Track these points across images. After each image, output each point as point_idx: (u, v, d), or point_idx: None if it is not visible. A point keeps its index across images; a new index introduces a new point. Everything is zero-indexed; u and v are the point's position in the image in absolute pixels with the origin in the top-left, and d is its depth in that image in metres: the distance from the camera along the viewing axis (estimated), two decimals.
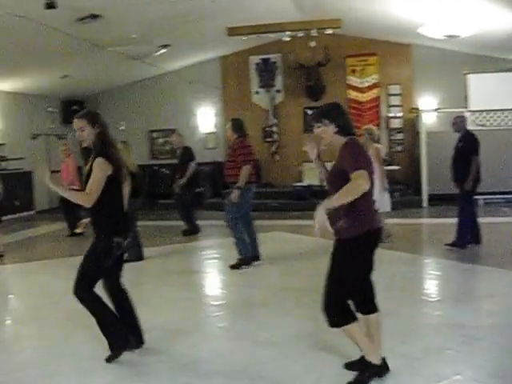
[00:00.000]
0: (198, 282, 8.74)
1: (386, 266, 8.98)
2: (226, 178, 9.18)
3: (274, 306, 6.91)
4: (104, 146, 5.02)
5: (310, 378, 4.71)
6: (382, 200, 10.71)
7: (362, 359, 4.61)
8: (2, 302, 7.91)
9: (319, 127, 4.50)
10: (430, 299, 7.25)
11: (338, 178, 4.30)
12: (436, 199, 15.49)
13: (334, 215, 4.25)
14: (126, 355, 5.23)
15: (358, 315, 4.57)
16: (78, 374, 5.01)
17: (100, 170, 4.92)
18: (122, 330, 5.15)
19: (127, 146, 9.95)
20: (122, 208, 5.15)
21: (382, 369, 4.60)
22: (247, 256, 9.04)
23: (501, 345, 5.29)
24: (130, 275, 9.00)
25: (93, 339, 5.54)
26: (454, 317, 6.24)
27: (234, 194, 8.78)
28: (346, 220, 4.30)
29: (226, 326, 6.35)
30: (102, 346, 5.19)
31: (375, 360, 4.55)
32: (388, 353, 5.11)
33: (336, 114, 4.50)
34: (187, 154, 12.47)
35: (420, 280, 8.45)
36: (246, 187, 8.84)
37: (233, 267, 8.97)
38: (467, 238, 9.85)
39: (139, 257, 9.90)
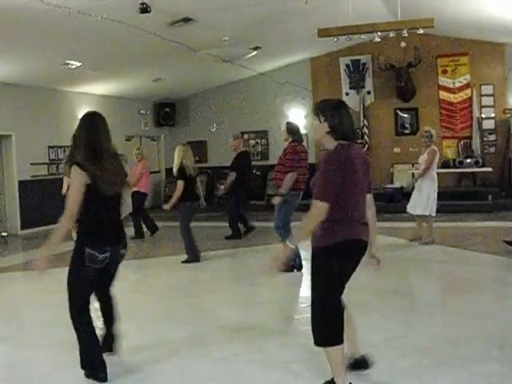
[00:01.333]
0: (284, 283, 8.79)
1: (477, 269, 8.88)
2: (275, 181, 9.11)
3: (369, 307, 6.80)
4: (77, 152, 4.71)
5: (404, 382, 4.69)
6: (431, 204, 10.63)
7: (332, 381, 4.36)
8: None
9: (315, 120, 4.31)
10: None
11: None
12: None
13: None
14: (220, 352, 5.37)
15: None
16: None
17: (73, 181, 4.59)
18: (96, 363, 4.79)
19: (187, 148, 10.14)
20: (102, 219, 4.68)
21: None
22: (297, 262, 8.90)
23: None
24: (205, 274, 9.29)
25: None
26: None
27: (276, 199, 8.73)
28: (321, 228, 4.11)
29: None
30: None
31: None
32: (484, 359, 5.05)
33: (331, 114, 4.22)
34: (234, 161, 12.64)
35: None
36: (294, 193, 8.71)
37: (286, 271, 8.57)
38: None
39: (195, 258, 10.07)
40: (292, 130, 9.11)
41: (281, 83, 18.18)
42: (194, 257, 10.00)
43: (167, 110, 19.57)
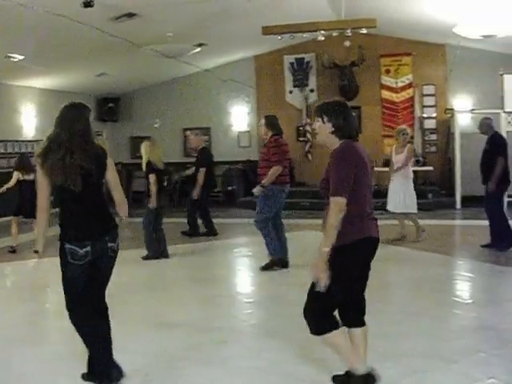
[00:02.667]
0: (228, 280, 8.79)
1: (418, 267, 9.03)
2: (260, 177, 8.95)
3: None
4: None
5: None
6: (411, 201, 10.77)
7: (348, 373, 4.37)
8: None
9: (318, 121, 4.34)
10: (463, 301, 7.25)
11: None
12: (469, 200, 15.36)
13: (325, 219, 4.16)
14: (154, 347, 5.33)
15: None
16: None
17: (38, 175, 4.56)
18: (107, 365, 4.65)
19: (153, 142, 10.04)
20: (74, 212, 4.52)
21: (369, 380, 4.33)
22: (277, 257, 8.86)
23: None
24: (163, 272, 9.21)
25: None
26: (488, 319, 6.23)
27: (257, 189, 8.65)
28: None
29: (258, 324, 6.40)
30: None
31: (360, 370, 4.29)
32: (420, 354, 5.16)
33: (336, 113, 4.26)
34: (199, 158, 12.37)
35: (453, 281, 8.42)
36: (280, 188, 8.68)
37: (263, 269, 8.83)
38: (508, 240, 9.79)
39: (161, 254, 9.94)
40: (272, 123, 8.92)
41: (225, 80, 18.12)
42: (154, 253, 9.84)
43: (111, 105, 19.32)
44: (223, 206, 16.77)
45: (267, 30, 12.67)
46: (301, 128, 18.13)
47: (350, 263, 4.17)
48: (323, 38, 13.48)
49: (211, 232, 12.41)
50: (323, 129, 4.32)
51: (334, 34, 13.58)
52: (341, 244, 4.06)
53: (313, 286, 4.17)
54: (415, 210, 10.98)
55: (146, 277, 8.87)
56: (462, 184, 15.72)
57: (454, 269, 9.22)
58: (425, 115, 17.61)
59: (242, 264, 10.15)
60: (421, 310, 6.61)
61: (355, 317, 4.40)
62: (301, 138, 18.19)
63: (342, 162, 4.15)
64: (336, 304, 4.26)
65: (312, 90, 18.20)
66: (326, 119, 4.28)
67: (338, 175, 4.11)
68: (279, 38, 13.23)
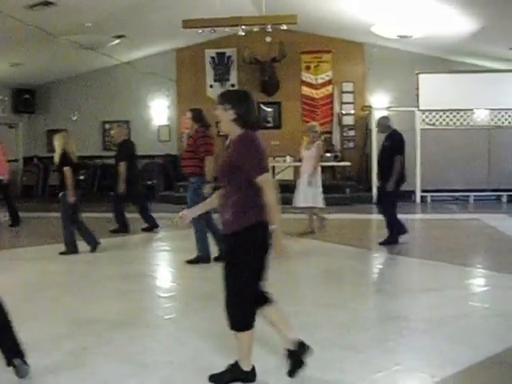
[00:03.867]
0: (148, 274, 8.70)
1: (332, 260, 9.18)
2: (184, 169, 8.82)
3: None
4: None
5: (258, 370, 4.73)
6: (319, 196, 10.94)
7: (236, 364, 4.46)
8: None
9: (219, 108, 4.32)
10: (375, 292, 7.41)
11: (232, 173, 4.20)
12: None
13: (222, 207, 4.24)
14: (68, 344, 5.25)
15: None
16: None
17: None
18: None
19: (67, 135, 9.85)
20: None
21: (250, 376, 4.44)
22: (205, 254, 8.76)
23: (442, 336, 5.41)
24: (80, 266, 9.05)
25: None
26: (397, 309, 6.39)
27: (206, 188, 8.41)
28: (232, 212, 4.19)
29: (175, 318, 6.35)
30: None
31: (246, 367, 4.42)
32: (331, 344, 5.23)
33: (239, 102, 4.29)
34: (120, 150, 11.91)
35: (365, 273, 8.59)
36: (203, 180, 8.54)
37: (189, 262, 8.74)
38: (397, 232, 10.02)
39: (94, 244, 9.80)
40: (198, 116, 8.97)
41: (145, 73, 17.95)
42: (72, 248, 9.59)
43: (26, 96, 18.85)
44: None
45: (188, 24, 12.64)
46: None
47: (247, 248, 4.21)
48: (244, 34, 13.52)
49: (154, 225, 12.01)
50: (224, 116, 4.30)
51: (255, 29, 13.64)
52: (242, 227, 4.15)
53: (229, 280, 4.23)
54: (322, 205, 11.13)
55: (61, 272, 8.66)
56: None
57: (367, 261, 9.41)
58: (343, 112, 17.93)
59: (164, 258, 10.07)
60: (333, 302, 6.70)
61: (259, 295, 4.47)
62: (221, 133, 18.10)
63: (253, 146, 4.21)
64: (248, 293, 4.30)
65: (233, 85, 18.24)
66: (228, 107, 4.28)
67: (253, 156, 4.16)
68: (200, 31, 13.20)
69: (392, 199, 9.90)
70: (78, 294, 7.35)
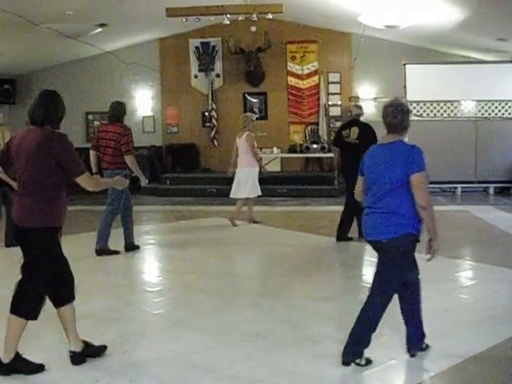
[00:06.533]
0: (133, 268, 8.54)
1: (323, 252, 9.04)
2: (110, 165, 8.60)
3: (212, 292, 6.79)
4: None
5: (247, 366, 4.62)
6: (255, 186, 10.91)
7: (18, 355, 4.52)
8: None
9: None
10: (367, 285, 7.25)
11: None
12: None
13: None
14: (51, 342, 5.08)
15: None
16: None
17: None
18: None
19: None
20: None
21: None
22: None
23: (434, 330, 5.29)
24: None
25: None
26: (391, 303, 6.23)
27: (144, 181, 8.89)
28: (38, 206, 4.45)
29: (162, 313, 6.19)
30: None
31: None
32: (324, 339, 5.10)
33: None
34: None
35: (356, 266, 8.46)
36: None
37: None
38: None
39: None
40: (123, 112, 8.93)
41: (128, 63, 17.70)
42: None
43: (6, 86, 18.47)
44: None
45: (172, 12, 12.48)
46: (206, 113, 17.94)
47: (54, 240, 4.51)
48: (229, 22, 13.36)
49: None
50: None
51: (240, 18, 13.51)
52: (46, 225, 4.42)
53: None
54: (258, 194, 11.17)
55: None
56: None
57: (358, 254, 9.25)
58: (330, 102, 17.77)
59: (149, 252, 9.87)
60: (327, 295, 6.59)
61: (56, 295, 4.61)
62: (206, 124, 17.99)
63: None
64: (40, 284, 4.49)
65: (218, 75, 18.03)
66: None
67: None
68: (184, 20, 13.03)
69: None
70: None
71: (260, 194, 11.25)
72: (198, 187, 15.97)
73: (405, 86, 15.61)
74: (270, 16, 12.99)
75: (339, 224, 9.59)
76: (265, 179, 15.45)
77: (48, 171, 4.41)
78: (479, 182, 16.07)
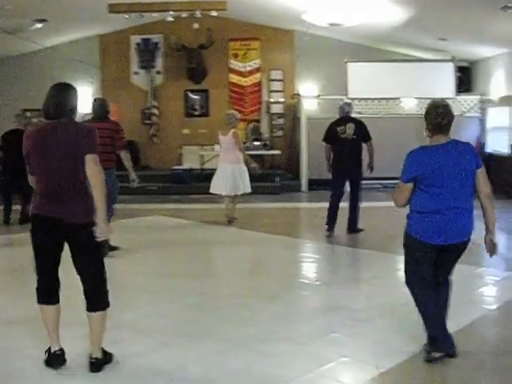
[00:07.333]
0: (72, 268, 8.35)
1: (265, 250, 9.05)
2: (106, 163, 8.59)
3: (157, 293, 6.68)
4: None
5: (197, 367, 4.56)
6: (246, 183, 10.86)
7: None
8: None
9: None
10: (312, 282, 7.29)
11: None
12: (315, 184, 15.74)
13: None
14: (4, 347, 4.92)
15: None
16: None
17: None
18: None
19: None
20: None
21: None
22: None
23: (384, 325, 5.37)
24: None
25: None
26: (338, 300, 6.29)
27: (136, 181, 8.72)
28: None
29: (108, 315, 6.06)
30: None
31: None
32: (273, 338, 5.08)
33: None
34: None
35: (301, 263, 8.51)
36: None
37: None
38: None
39: None
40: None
41: (68, 59, 17.36)
42: None
43: None
44: None
45: (114, 8, 12.30)
46: (146, 111, 17.76)
47: (31, 235, 4.40)
48: (172, 19, 13.24)
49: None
50: None
51: (184, 15, 13.39)
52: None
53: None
54: (249, 190, 11.05)
55: None
56: (307, 168, 16.01)
57: (301, 251, 9.31)
58: (272, 100, 17.81)
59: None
60: (270, 294, 6.57)
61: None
62: (146, 121, 17.79)
63: None
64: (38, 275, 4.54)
65: (159, 72, 17.85)
66: None
67: None
68: (126, 16, 12.86)
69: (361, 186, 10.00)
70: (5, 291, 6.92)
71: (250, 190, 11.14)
72: (137, 185, 15.78)
73: (346, 84, 15.72)
74: (213, 13, 12.92)
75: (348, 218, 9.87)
76: (206, 176, 15.47)
77: (82, 165, 4.29)
78: None
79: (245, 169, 10.94)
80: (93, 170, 4.25)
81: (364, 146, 9.81)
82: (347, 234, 9.79)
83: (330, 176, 10.10)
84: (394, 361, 4.59)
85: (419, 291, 4.66)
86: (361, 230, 9.85)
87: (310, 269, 8.22)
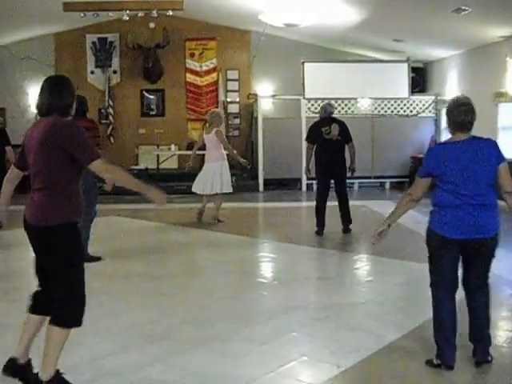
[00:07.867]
0: (31, 272, 8.23)
1: (224, 250, 9.03)
2: None
3: (111, 294, 6.61)
4: None
5: (155, 369, 4.53)
6: (227, 182, 10.86)
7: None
8: None
9: None
10: (270, 282, 7.30)
11: None
12: (270, 184, 15.79)
13: None
14: None
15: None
16: None
17: None
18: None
19: None
20: None
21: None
22: None
23: (343, 324, 5.40)
24: None
25: None
26: (296, 299, 6.31)
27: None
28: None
29: None
30: None
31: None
32: (231, 338, 5.08)
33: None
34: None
35: (258, 263, 8.51)
36: None
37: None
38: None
39: None
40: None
41: (21, 58, 17.11)
42: None
43: None
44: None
45: (69, 7, 12.16)
46: (103, 110, 17.59)
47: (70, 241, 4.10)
48: (128, 18, 13.13)
49: None
50: None
51: (140, 14, 13.30)
52: (59, 222, 3.99)
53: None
54: (229, 190, 11.04)
55: None
56: (264, 167, 16.03)
57: (258, 250, 9.30)
58: (228, 99, 17.82)
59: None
60: (229, 294, 6.57)
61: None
62: (103, 121, 17.61)
63: None
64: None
65: (115, 72, 17.71)
66: None
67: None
68: (82, 15, 12.72)
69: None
70: None
71: (231, 190, 11.10)
72: None
73: (303, 84, 15.79)
74: (170, 13, 12.86)
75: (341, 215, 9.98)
76: (162, 176, 15.39)
77: (57, 165, 3.95)
78: (376, 178, 16.48)
79: (227, 166, 10.93)
80: (101, 173, 4.06)
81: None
82: (342, 234, 9.87)
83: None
84: (353, 359, 4.61)
85: (434, 293, 4.54)
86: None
87: (266, 268, 8.24)
